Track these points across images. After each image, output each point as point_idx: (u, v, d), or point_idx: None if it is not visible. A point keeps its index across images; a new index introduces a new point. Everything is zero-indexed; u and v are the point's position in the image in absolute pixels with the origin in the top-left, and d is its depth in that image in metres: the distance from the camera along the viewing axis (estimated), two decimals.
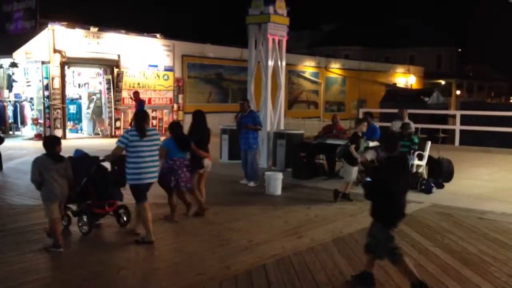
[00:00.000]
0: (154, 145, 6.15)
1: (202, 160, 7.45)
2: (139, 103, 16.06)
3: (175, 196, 7.19)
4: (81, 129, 20.53)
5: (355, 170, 8.52)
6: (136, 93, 16.92)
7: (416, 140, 10.09)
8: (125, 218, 6.79)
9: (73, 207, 6.60)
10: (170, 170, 6.98)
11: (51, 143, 5.87)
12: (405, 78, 36.56)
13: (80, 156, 6.76)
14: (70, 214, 6.61)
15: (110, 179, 6.55)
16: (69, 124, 20.12)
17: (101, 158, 6.58)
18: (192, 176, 7.31)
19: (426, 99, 20.29)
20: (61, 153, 5.99)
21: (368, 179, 4.95)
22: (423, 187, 9.37)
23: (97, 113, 20.01)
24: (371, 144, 9.90)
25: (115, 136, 19.39)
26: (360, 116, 20.41)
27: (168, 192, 7.18)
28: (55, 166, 5.75)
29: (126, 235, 6.51)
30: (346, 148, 8.56)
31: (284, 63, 12.71)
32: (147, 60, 20.66)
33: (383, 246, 4.70)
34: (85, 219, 6.39)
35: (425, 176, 10.09)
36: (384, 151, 4.89)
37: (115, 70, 19.46)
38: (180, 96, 21.90)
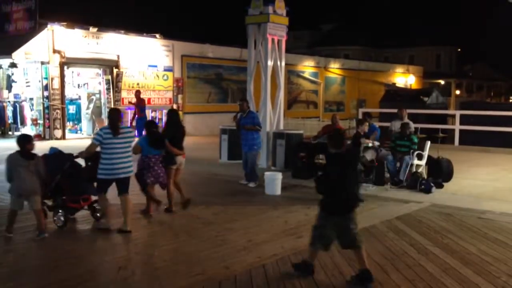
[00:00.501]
0: (127, 142, 6.54)
1: (175, 157, 7.66)
2: (141, 107, 15.76)
3: (150, 190, 7.42)
4: (81, 130, 20.51)
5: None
6: (137, 92, 16.73)
7: (416, 140, 10.09)
8: (98, 214, 7.02)
9: (49, 202, 6.87)
10: (146, 167, 7.28)
11: (22, 141, 6.21)
12: (404, 78, 36.57)
13: (55, 153, 7.01)
14: (46, 209, 6.85)
15: (84, 175, 6.82)
16: (69, 125, 20.10)
17: (75, 154, 6.86)
18: (166, 172, 7.54)
19: (426, 99, 20.30)
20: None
21: (320, 173, 5.23)
22: (422, 187, 9.37)
23: (97, 113, 19.99)
24: (371, 144, 9.90)
25: None
26: (360, 115, 20.45)
27: (143, 188, 7.44)
28: (25, 163, 6.09)
29: (125, 235, 6.50)
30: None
31: (283, 63, 12.71)
32: (147, 60, 20.65)
33: (314, 229, 5.08)
34: (60, 214, 6.70)
35: (425, 176, 10.09)
36: (330, 148, 5.11)
37: (115, 70, 19.45)
38: (180, 96, 21.90)
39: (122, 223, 6.53)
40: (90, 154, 6.63)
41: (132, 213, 6.77)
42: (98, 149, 6.51)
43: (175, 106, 21.59)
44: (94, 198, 6.98)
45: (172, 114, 8.36)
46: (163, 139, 7.48)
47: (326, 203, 5.01)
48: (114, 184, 6.62)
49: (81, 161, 6.96)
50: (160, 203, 7.52)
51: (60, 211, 6.71)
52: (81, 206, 6.94)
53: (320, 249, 5.08)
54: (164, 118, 21.00)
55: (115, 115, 6.58)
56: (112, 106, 19.23)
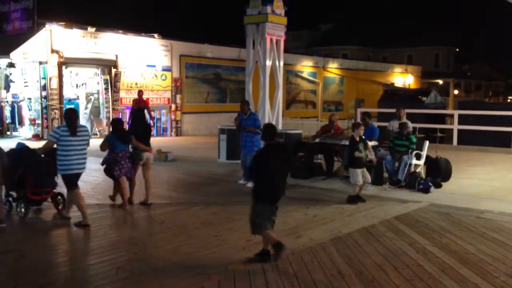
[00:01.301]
0: (83, 140, 6.90)
1: (141, 152, 8.04)
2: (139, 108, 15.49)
3: (120, 185, 7.85)
4: None
5: (360, 172, 8.41)
6: (140, 92, 16.52)
7: (414, 140, 10.10)
8: (60, 206, 7.42)
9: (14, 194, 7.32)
10: (114, 161, 7.75)
11: None
12: (403, 78, 36.60)
13: (21, 148, 7.47)
14: (11, 200, 7.32)
15: (44, 170, 7.22)
16: None
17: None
18: (134, 167, 8.01)
19: (424, 98, 20.33)
20: None
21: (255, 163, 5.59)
22: (421, 186, 9.38)
23: (95, 113, 19.98)
24: (370, 144, 9.90)
25: None
26: (358, 115, 20.48)
27: (114, 180, 7.94)
28: None
29: (125, 235, 6.50)
30: (350, 155, 8.54)
31: (282, 63, 12.72)
32: (145, 60, 20.63)
33: (251, 217, 5.44)
34: (22, 205, 7.18)
35: (423, 175, 10.10)
36: (262, 139, 5.55)
37: (113, 70, 19.43)
38: (178, 96, 21.88)
39: (83, 218, 6.85)
40: (47, 150, 7.04)
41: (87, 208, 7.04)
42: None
43: (173, 106, 21.60)
44: (56, 191, 7.49)
45: (138, 114, 8.87)
46: (129, 136, 7.95)
47: (262, 191, 5.41)
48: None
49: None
50: (114, 200, 8.04)
51: (22, 202, 7.18)
52: (42, 198, 7.43)
53: (265, 230, 5.41)
54: (163, 118, 21.08)
55: (72, 114, 7.01)
56: (111, 106, 19.26)
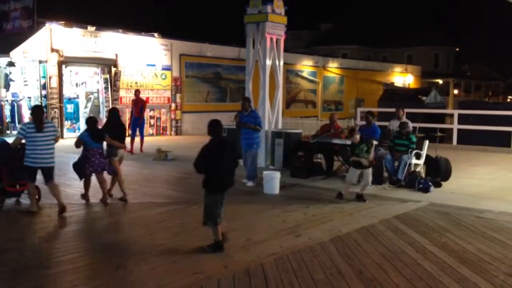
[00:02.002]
0: (49, 136, 7.32)
1: (116, 149, 8.40)
2: (140, 107, 15.16)
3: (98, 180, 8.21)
4: (79, 128, 20.38)
5: (357, 172, 8.59)
6: (137, 92, 16.26)
7: (414, 139, 10.10)
8: (36, 197, 7.74)
9: None
10: (85, 159, 8.04)
11: None
12: (402, 77, 36.60)
13: (1, 143, 7.91)
14: None
15: (18, 163, 7.50)
16: (67, 123, 20.04)
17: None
18: (111, 163, 8.33)
19: (424, 98, 20.32)
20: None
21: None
22: (420, 186, 9.38)
23: (95, 112, 19.95)
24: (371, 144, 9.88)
25: None
26: (358, 115, 20.48)
27: (80, 178, 8.24)
28: None
29: (124, 233, 6.50)
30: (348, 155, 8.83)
31: (282, 62, 12.71)
32: (145, 59, 20.62)
33: (205, 209, 5.83)
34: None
35: (423, 175, 10.11)
36: (209, 134, 6.04)
37: (113, 69, 19.41)
38: (178, 95, 21.87)
39: (58, 206, 7.34)
40: (15, 145, 7.52)
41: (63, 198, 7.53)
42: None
43: (173, 105, 21.60)
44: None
45: (112, 113, 9.13)
46: (103, 134, 8.25)
47: (211, 182, 5.81)
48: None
49: None
50: (87, 196, 8.28)
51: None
52: (17, 191, 7.86)
53: (217, 224, 5.80)
54: (162, 117, 21.07)
55: (39, 111, 7.41)
56: (111, 105, 19.24)
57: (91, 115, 19.45)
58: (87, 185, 8.26)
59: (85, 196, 8.28)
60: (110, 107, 19.01)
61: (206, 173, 5.82)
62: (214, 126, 6.06)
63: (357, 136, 8.74)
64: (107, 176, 8.33)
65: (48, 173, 7.39)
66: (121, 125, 9.00)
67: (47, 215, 7.45)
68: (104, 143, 8.29)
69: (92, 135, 8.05)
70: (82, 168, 8.05)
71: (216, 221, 5.79)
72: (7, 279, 4.87)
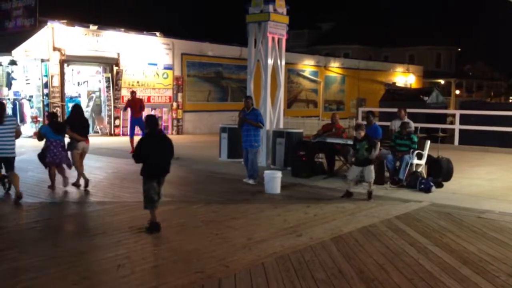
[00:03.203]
0: (9, 129, 7.83)
1: (77, 142, 8.95)
2: (139, 106, 14.81)
3: (56, 171, 8.91)
4: None
5: (355, 169, 8.74)
6: (133, 93, 15.98)
7: (416, 139, 10.09)
8: (7, 185, 8.40)
9: None
10: (47, 149, 8.72)
11: None
12: (404, 77, 36.56)
13: None
14: None
15: None
16: None
17: None
18: (72, 155, 8.97)
19: (426, 98, 20.30)
20: None
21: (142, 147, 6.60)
22: (422, 186, 9.37)
23: (97, 111, 19.99)
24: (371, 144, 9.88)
25: (114, 135, 19.41)
26: (360, 114, 20.47)
27: (45, 167, 8.94)
28: None
29: (125, 232, 6.50)
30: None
31: (283, 62, 12.71)
32: (147, 58, 20.63)
33: (144, 194, 6.45)
34: None
35: (424, 175, 10.10)
36: (146, 128, 6.71)
37: (115, 68, 19.44)
38: (180, 94, 21.89)
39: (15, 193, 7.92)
40: None
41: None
42: None
43: (174, 105, 21.61)
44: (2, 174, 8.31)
45: (75, 109, 9.62)
46: (63, 127, 8.94)
47: (149, 170, 6.45)
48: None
49: None
50: (54, 188, 8.92)
51: None
52: None
53: (154, 208, 6.43)
54: (164, 116, 21.09)
55: (1, 106, 7.90)
56: (112, 104, 19.27)
57: (93, 114, 19.65)
58: (52, 176, 8.91)
59: (51, 186, 8.94)
60: (112, 106, 19.04)
61: (144, 162, 6.48)
62: (150, 121, 6.71)
63: (362, 132, 8.76)
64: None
65: (8, 163, 7.96)
66: (84, 120, 9.52)
67: (52, 213, 7.46)
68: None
69: (52, 128, 8.75)
70: (45, 158, 8.78)
71: (154, 204, 6.43)
72: (8, 277, 4.88)
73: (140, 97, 16.71)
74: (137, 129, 14.23)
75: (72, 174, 9.34)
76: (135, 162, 6.59)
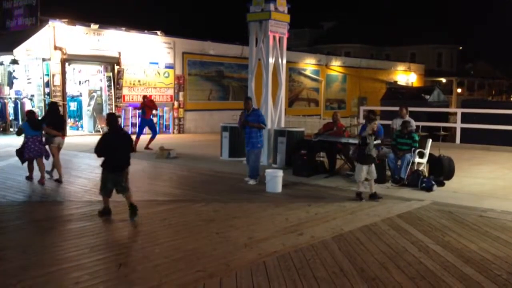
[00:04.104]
0: None
1: (53, 137, 9.63)
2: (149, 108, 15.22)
3: (38, 164, 9.53)
4: (82, 126, 20.53)
5: (365, 169, 8.46)
6: (145, 97, 16.11)
7: (417, 138, 10.08)
8: None
9: None
10: (24, 145, 9.36)
11: None
12: (405, 76, 36.51)
13: None
14: None
15: None
16: (70, 121, 20.11)
17: None
18: (50, 149, 9.64)
19: (427, 97, 20.27)
20: None
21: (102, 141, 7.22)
22: (423, 185, 9.36)
23: (98, 110, 20.01)
24: (374, 142, 9.86)
25: None
26: (361, 113, 20.44)
27: (22, 162, 9.59)
28: None
29: (126, 231, 6.51)
30: (360, 150, 8.57)
31: (284, 61, 12.69)
32: (148, 57, 20.64)
33: (101, 182, 7.19)
34: None
35: (426, 174, 10.08)
36: (106, 125, 7.34)
37: (116, 67, 19.45)
38: (181, 93, 21.89)
39: None
40: None
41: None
42: None
43: (176, 104, 21.61)
44: None
45: (52, 106, 10.40)
46: (40, 123, 9.57)
47: (108, 164, 7.10)
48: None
49: None
50: (32, 179, 9.55)
51: None
52: None
53: (106, 195, 7.16)
54: (166, 116, 21.11)
55: None
56: (114, 103, 19.28)
57: (95, 113, 19.66)
58: (30, 168, 9.60)
59: (29, 177, 9.62)
60: (113, 105, 19.06)
61: (104, 156, 7.13)
62: (111, 119, 7.37)
63: (374, 125, 8.68)
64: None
65: None
66: (59, 117, 10.32)
67: (53, 212, 7.47)
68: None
69: (30, 124, 9.38)
70: (22, 154, 9.41)
71: (107, 193, 7.15)
72: (10, 277, 4.88)
73: (152, 99, 16.74)
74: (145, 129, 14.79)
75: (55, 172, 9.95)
76: (97, 156, 7.18)
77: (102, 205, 7.25)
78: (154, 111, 15.66)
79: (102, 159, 7.23)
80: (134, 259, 5.46)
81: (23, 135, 9.48)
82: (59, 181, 9.60)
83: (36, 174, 9.63)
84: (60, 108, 13.53)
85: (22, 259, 5.40)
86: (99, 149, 7.09)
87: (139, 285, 4.74)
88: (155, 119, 20.61)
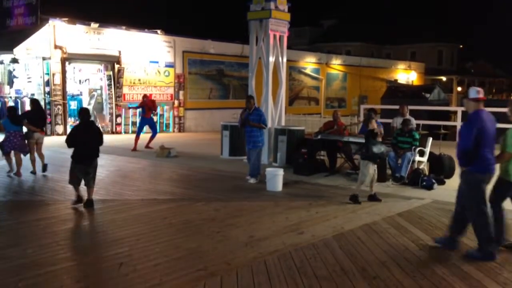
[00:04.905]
0: None
1: (32, 133, 10.12)
2: (149, 107, 15.16)
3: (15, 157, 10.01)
4: None
5: (372, 167, 8.22)
6: (144, 97, 16.13)
7: (417, 136, 10.08)
8: None
9: None
10: (6, 139, 9.85)
11: None
12: (406, 75, 36.50)
13: None
14: None
15: None
16: (70, 120, 20.09)
17: None
18: (28, 144, 10.07)
19: (427, 95, 20.27)
20: None
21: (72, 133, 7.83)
22: (424, 183, 9.36)
23: (98, 109, 20.00)
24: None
25: (116, 132, 19.42)
26: (362, 112, 20.45)
27: (2, 154, 10.11)
28: None
29: (127, 230, 6.51)
30: (368, 147, 8.25)
31: (285, 59, 12.69)
32: (148, 56, 20.63)
33: (69, 174, 7.68)
34: None
35: (426, 172, 10.08)
36: (78, 118, 8.23)
37: (116, 66, 19.44)
38: (181, 92, 21.88)
39: None
40: None
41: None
42: None
43: (176, 102, 21.61)
44: None
45: (34, 103, 10.70)
46: (20, 119, 10.12)
47: (77, 155, 7.59)
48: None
49: None
50: (11, 171, 9.99)
51: None
52: None
53: (74, 185, 7.67)
54: (166, 114, 21.11)
55: None
56: (114, 102, 19.29)
57: (95, 112, 19.64)
58: (8, 160, 10.02)
59: (9, 172, 10.05)
60: (114, 104, 19.04)
61: (74, 147, 7.59)
62: (82, 113, 7.88)
63: (374, 122, 8.61)
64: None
65: None
66: (40, 113, 10.63)
67: (52, 211, 7.48)
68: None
69: (11, 120, 9.88)
70: (3, 146, 9.90)
71: (77, 182, 7.64)
72: (11, 275, 4.89)
73: (152, 99, 16.73)
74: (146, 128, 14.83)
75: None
76: (68, 147, 7.63)
77: (76, 195, 7.70)
78: (154, 111, 15.61)
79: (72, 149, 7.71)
80: (135, 258, 5.45)
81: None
82: (33, 172, 10.15)
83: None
84: (59, 106, 13.54)
85: (22, 257, 5.40)
86: (69, 140, 7.61)
87: (139, 284, 4.75)
88: (155, 118, 20.65)
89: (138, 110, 18.00)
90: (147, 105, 14.99)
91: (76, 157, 7.60)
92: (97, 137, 7.81)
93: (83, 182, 7.72)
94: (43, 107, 17.73)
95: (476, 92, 5.85)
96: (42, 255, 5.51)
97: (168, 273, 5.00)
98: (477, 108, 5.83)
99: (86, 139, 7.58)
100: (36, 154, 10.32)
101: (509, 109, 6.10)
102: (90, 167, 7.64)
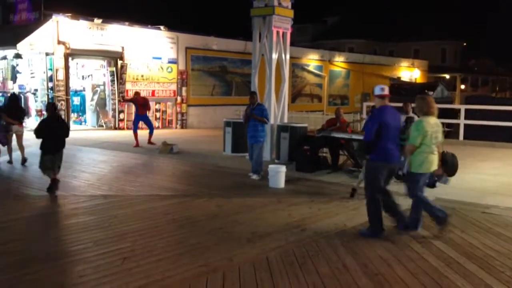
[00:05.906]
0: None
1: (10, 125, 10.79)
2: (141, 104, 15.02)
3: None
4: (85, 121, 20.56)
5: None
6: (136, 94, 15.99)
7: None
8: None
9: None
10: None
11: None
12: (409, 72, 36.42)
13: None
14: None
15: None
16: (73, 116, 20.15)
17: None
18: (6, 136, 10.82)
19: (431, 93, 20.22)
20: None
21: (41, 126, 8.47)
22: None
23: (101, 105, 20.03)
24: None
25: (118, 128, 19.45)
26: (364, 109, 20.42)
27: None
28: None
29: (130, 225, 6.53)
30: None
31: (288, 56, 12.68)
32: (151, 52, 20.62)
33: (40, 163, 8.33)
34: None
35: None
36: (46, 112, 8.77)
37: (119, 62, 19.44)
38: (184, 88, 21.89)
39: None
40: None
41: None
42: None
43: (179, 99, 21.62)
44: None
45: (12, 97, 11.54)
46: None
47: (45, 146, 8.23)
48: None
49: None
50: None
51: None
52: None
53: (45, 172, 8.31)
54: (168, 111, 21.12)
55: None
56: (117, 98, 19.30)
57: (98, 107, 19.69)
58: None
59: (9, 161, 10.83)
60: (117, 99, 19.07)
61: (42, 138, 8.19)
62: (50, 107, 8.61)
63: None
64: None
65: None
66: (18, 107, 11.39)
67: (57, 205, 7.51)
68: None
69: None
70: None
71: (49, 171, 8.23)
72: (14, 269, 4.91)
73: (145, 97, 16.66)
74: (141, 124, 14.81)
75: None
76: (36, 137, 8.25)
77: (50, 182, 8.21)
78: (148, 110, 15.41)
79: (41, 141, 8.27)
80: (138, 253, 5.47)
81: None
82: (10, 162, 10.90)
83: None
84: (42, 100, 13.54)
85: (27, 252, 5.43)
86: (37, 132, 8.24)
87: (142, 279, 4.76)
88: (158, 114, 20.67)
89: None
90: (139, 102, 14.88)
91: (45, 148, 8.26)
92: (64, 130, 8.56)
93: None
94: (46, 101, 17.83)
95: (381, 89, 6.49)
96: (45, 250, 5.53)
97: (170, 269, 5.02)
98: (382, 104, 6.39)
99: (54, 132, 8.25)
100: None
101: (416, 105, 6.60)
102: (57, 157, 8.35)
